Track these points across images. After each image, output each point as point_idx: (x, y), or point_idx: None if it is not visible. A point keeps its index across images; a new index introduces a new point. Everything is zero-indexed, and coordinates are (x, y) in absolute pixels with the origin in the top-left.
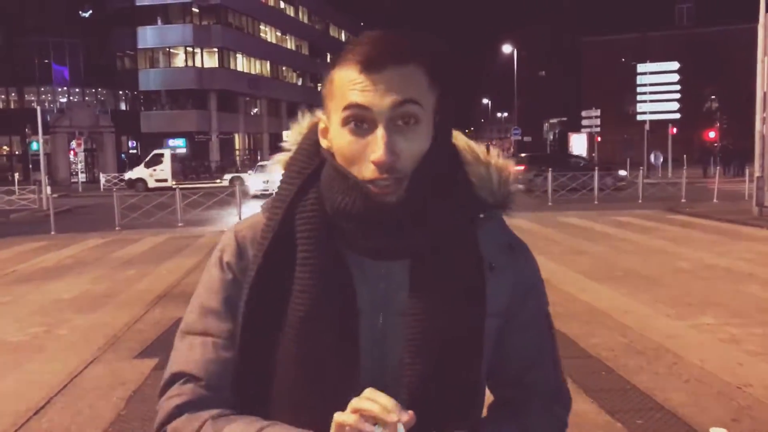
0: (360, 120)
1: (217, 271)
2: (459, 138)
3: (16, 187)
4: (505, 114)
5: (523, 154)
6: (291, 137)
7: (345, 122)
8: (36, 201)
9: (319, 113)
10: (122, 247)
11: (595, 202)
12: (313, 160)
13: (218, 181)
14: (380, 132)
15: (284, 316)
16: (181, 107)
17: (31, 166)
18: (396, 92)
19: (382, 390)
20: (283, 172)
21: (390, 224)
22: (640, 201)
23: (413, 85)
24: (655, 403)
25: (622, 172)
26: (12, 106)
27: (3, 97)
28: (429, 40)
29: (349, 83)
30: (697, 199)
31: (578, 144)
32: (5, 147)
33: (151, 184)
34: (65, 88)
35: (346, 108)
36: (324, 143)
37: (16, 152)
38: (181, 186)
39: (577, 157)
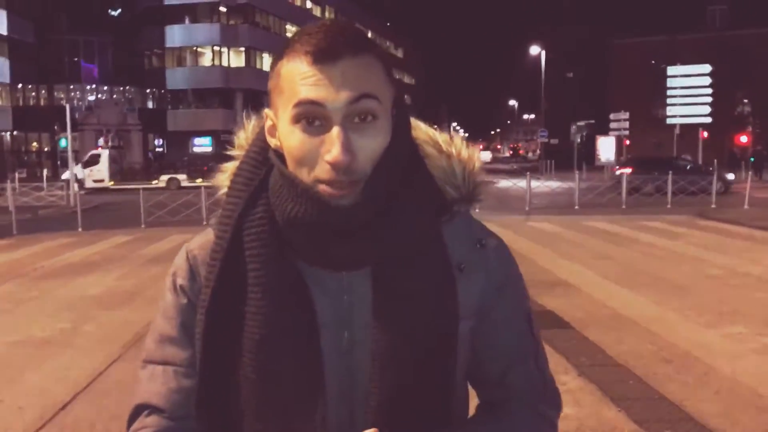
0: (312, 117)
1: (172, 295)
2: (419, 129)
3: (45, 183)
4: (532, 116)
5: (629, 156)
6: (236, 143)
7: (295, 120)
8: (64, 197)
9: (266, 110)
10: (148, 244)
11: (623, 207)
12: (260, 168)
13: (154, 181)
14: (336, 130)
15: (241, 339)
16: (208, 106)
17: (59, 162)
18: (352, 86)
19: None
20: (228, 183)
21: (345, 231)
22: (668, 206)
23: (370, 77)
24: (685, 414)
25: (730, 176)
26: (42, 104)
27: (33, 94)
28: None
29: (299, 76)
30: (728, 204)
31: (606, 147)
32: (34, 144)
33: (89, 184)
34: (94, 86)
35: (296, 105)
36: (272, 142)
37: (45, 149)
38: (117, 187)
39: (683, 159)
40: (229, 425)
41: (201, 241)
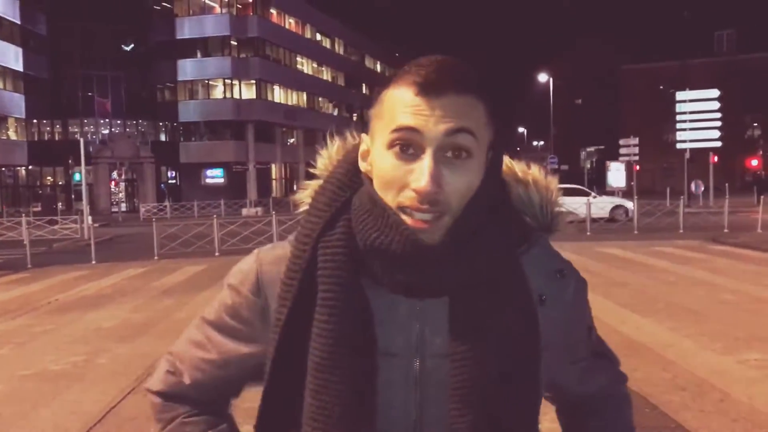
0: (407, 144)
1: (230, 294)
2: None
3: (59, 216)
4: (542, 142)
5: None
6: (320, 163)
7: (391, 145)
8: (78, 230)
9: (363, 135)
10: (161, 276)
11: (635, 232)
12: (344, 191)
13: None
14: (427, 159)
15: (306, 361)
16: (219, 138)
17: (73, 196)
18: (451, 119)
19: None
20: (310, 201)
21: (428, 264)
22: (681, 231)
23: (471, 116)
24: None
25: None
26: (56, 138)
27: (48, 129)
28: (491, 73)
29: (402, 104)
30: (741, 228)
31: (616, 173)
32: (49, 178)
33: None
34: (107, 120)
35: (395, 130)
36: (363, 166)
37: (60, 182)
38: None
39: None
40: None
41: (274, 255)
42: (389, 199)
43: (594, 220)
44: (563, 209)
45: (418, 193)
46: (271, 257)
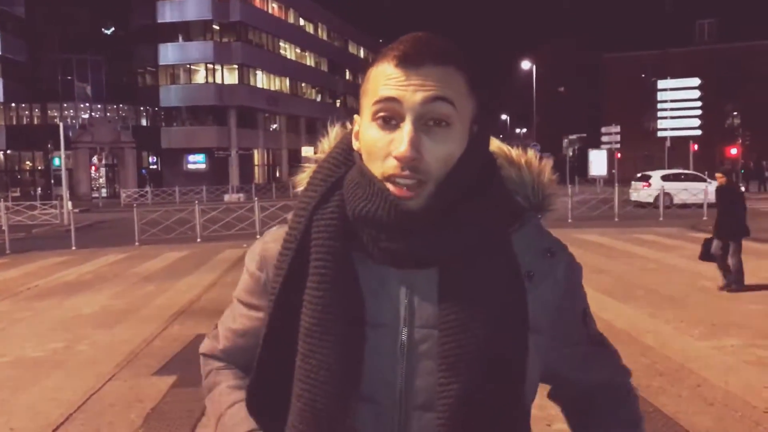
0: (389, 115)
1: (246, 275)
2: (491, 142)
3: (38, 202)
4: (524, 130)
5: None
6: (320, 147)
7: (374, 117)
8: (57, 216)
9: (356, 115)
10: (142, 262)
11: (616, 220)
12: (339, 168)
13: None
14: (407, 127)
15: (298, 329)
16: (201, 123)
17: (53, 181)
18: (429, 89)
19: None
20: (308, 180)
21: (414, 231)
22: (661, 219)
23: (450, 85)
24: (680, 427)
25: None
26: (35, 122)
27: (27, 113)
28: (476, 49)
29: (383, 77)
30: None
31: (598, 160)
32: (28, 162)
33: None
34: (87, 104)
35: (376, 102)
36: (356, 145)
37: (39, 167)
38: None
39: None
40: (278, 420)
41: (277, 233)
42: (375, 169)
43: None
44: (555, 191)
45: (398, 160)
46: (274, 236)
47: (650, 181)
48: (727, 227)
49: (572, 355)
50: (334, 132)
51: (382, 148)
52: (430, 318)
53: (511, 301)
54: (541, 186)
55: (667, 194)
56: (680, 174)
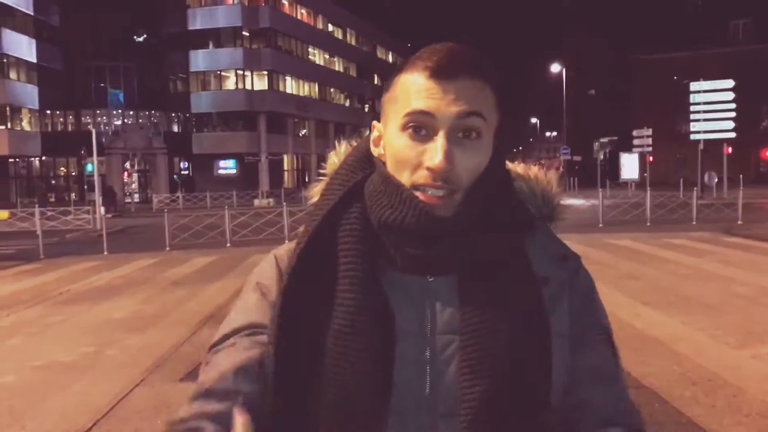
0: (420, 126)
1: (254, 294)
2: None
3: (72, 207)
4: (554, 133)
5: None
6: (329, 161)
7: (405, 127)
8: (90, 221)
9: (374, 122)
10: (172, 267)
11: (648, 224)
12: (356, 173)
13: None
14: (440, 139)
15: (318, 329)
16: (232, 129)
17: (86, 187)
18: (463, 103)
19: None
20: (326, 183)
21: (441, 238)
22: (694, 223)
23: (481, 99)
24: None
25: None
26: (69, 129)
27: (61, 120)
28: (499, 60)
29: (415, 88)
30: (755, 220)
31: (630, 164)
32: (62, 168)
33: None
34: (120, 111)
35: (409, 113)
36: (376, 151)
37: (73, 173)
38: None
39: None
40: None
41: (288, 248)
42: (404, 178)
43: None
44: (563, 201)
45: (431, 171)
46: (284, 250)
47: None
48: None
49: (578, 374)
50: (342, 148)
51: (413, 157)
52: (451, 324)
53: (531, 305)
54: (550, 195)
55: None
56: None
